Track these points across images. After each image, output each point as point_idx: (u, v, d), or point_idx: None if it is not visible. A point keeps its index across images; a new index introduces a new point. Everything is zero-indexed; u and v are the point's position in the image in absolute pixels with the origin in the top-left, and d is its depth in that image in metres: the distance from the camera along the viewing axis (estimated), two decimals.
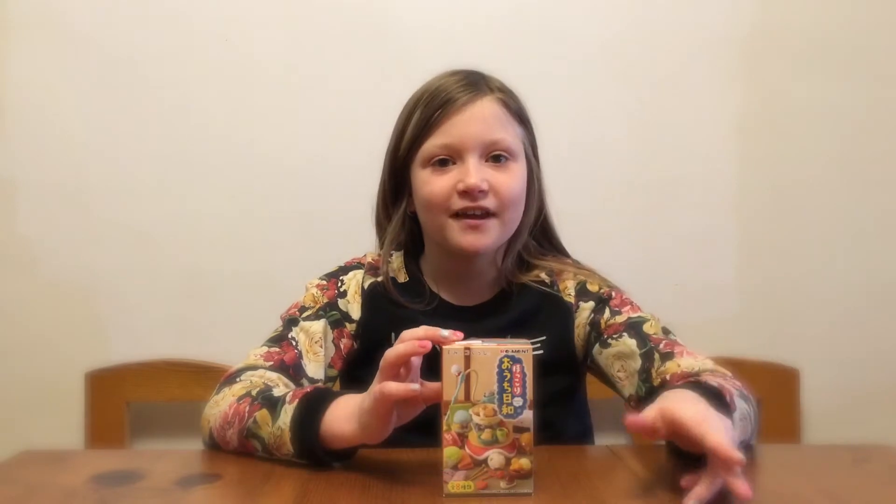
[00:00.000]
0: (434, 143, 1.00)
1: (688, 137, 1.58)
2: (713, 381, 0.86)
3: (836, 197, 1.59)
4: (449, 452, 0.74)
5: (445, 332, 0.77)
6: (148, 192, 1.54)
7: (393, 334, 0.99)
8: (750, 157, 1.59)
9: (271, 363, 1.00)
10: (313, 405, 0.84)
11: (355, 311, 1.07)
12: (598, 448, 1.01)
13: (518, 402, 0.74)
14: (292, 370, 1.00)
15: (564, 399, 1.06)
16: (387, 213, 1.10)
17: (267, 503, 0.77)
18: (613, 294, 1.08)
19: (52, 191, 1.53)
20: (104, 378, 1.50)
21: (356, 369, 1.06)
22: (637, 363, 0.99)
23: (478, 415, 0.74)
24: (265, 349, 1.02)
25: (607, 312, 1.05)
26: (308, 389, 0.88)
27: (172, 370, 1.50)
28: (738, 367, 1.51)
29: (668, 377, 0.96)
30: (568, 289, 1.08)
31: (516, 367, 0.74)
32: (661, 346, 1.00)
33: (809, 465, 0.90)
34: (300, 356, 1.02)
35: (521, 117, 1.06)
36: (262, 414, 0.87)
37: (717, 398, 0.81)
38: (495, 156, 1.00)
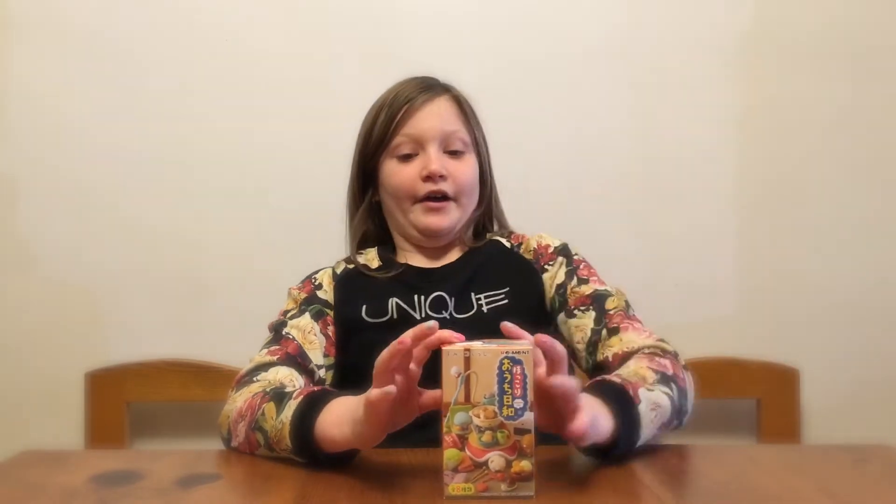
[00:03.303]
0: (399, 137, 1.14)
1: (687, 136, 1.58)
2: (617, 378, 0.90)
3: (837, 196, 1.59)
4: (449, 454, 0.74)
5: (429, 323, 0.77)
6: (148, 192, 1.53)
7: (365, 306, 1.11)
8: (749, 156, 1.59)
9: (278, 357, 1.04)
10: (312, 405, 0.85)
11: (332, 298, 1.15)
12: None
13: (519, 403, 0.73)
14: (299, 358, 1.06)
15: None
16: (353, 201, 1.23)
17: (267, 503, 0.77)
18: (582, 265, 1.15)
19: (52, 190, 1.52)
20: (104, 378, 1.50)
21: (343, 349, 1.11)
22: (588, 336, 1.07)
23: (478, 416, 0.73)
24: (266, 350, 1.06)
25: (574, 280, 1.13)
26: (315, 389, 0.90)
27: (172, 370, 1.50)
28: (738, 367, 1.54)
29: (609, 356, 1.03)
30: (529, 245, 1.18)
31: (517, 369, 0.73)
32: (612, 321, 1.06)
33: (809, 465, 0.90)
34: (301, 347, 1.07)
35: (471, 116, 1.19)
36: (269, 407, 0.89)
37: (620, 395, 0.86)
38: (452, 150, 1.14)
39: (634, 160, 1.58)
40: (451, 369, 0.74)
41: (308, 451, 0.84)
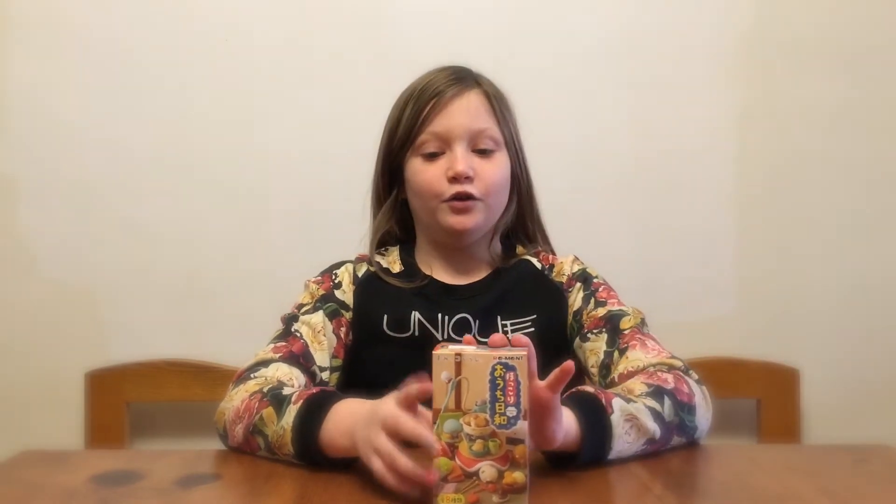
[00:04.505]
0: (425, 134, 1.07)
1: (687, 137, 1.58)
2: (591, 388, 0.88)
3: (836, 196, 1.59)
4: (439, 463, 0.71)
5: (414, 388, 0.74)
6: (148, 192, 1.54)
7: (386, 317, 1.07)
8: (749, 156, 1.59)
9: (281, 354, 1.02)
10: (314, 410, 0.84)
11: (351, 301, 1.11)
12: None
13: (511, 411, 0.70)
14: (302, 359, 1.03)
15: None
16: (377, 197, 1.16)
17: (267, 503, 0.77)
18: (601, 288, 1.12)
19: (52, 190, 1.53)
20: (104, 378, 1.50)
21: (357, 356, 1.08)
22: (601, 359, 1.03)
23: (469, 424, 0.70)
24: (271, 346, 1.04)
25: (592, 303, 1.09)
26: (314, 391, 0.88)
27: (172, 370, 1.50)
28: (738, 367, 1.54)
29: (615, 377, 1.00)
30: (562, 269, 1.14)
31: (510, 375, 0.70)
32: (623, 341, 1.03)
33: (809, 465, 0.90)
34: (307, 346, 1.04)
35: (505, 111, 1.12)
36: (269, 412, 0.87)
37: (590, 403, 0.84)
38: (481, 149, 1.07)
39: (634, 160, 1.58)
40: (441, 374, 0.70)
41: (310, 457, 0.84)
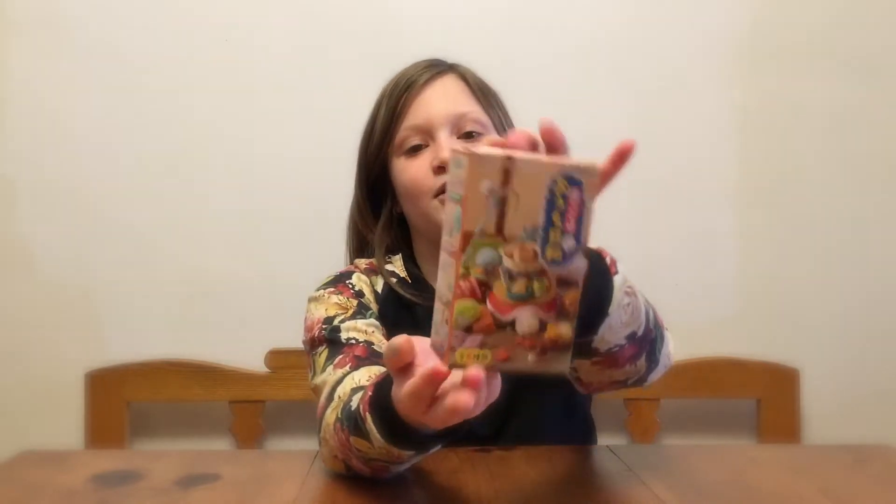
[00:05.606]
0: (404, 130, 1.01)
1: (688, 137, 1.58)
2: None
3: (837, 196, 1.59)
4: (462, 308, 0.52)
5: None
6: (148, 192, 1.53)
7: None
8: (750, 156, 1.59)
9: (349, 365, 0.89)
10: (387, 417, 0.69)
11: (377, 315, 1.01)
12: (598, 448, 1.01)
13: (569, 243, 0.53)
14: (373, 357, 0.91)
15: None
16: (362, 217, 1.09)
17: (267, 503, 0.77)
18: None
19: (51, 190, 1.52)
20: (104, 378, 1.50)
21: None
22: None
23: (511, 257, 0.51)
24: (330, 367, 0.91)
25: None
26: (369, 396, 0.74)
27: (172, 370, 1.50)
28: (738, 367, 1.54)
29: None
30: None
31: (573, 194, 0.53)
32: None
33: (809, 465, 0.90)
34: (369, 345, 0.92)
35: (488, 95, 1.06)
36: (357, 441, 0.76)
37: (596, 255, 0.70)
38: (467, 132, 1.00)
39: (634, 160, 1.57)
40: (480, 183, 0.50)
41: (427, 450, 0.74)
